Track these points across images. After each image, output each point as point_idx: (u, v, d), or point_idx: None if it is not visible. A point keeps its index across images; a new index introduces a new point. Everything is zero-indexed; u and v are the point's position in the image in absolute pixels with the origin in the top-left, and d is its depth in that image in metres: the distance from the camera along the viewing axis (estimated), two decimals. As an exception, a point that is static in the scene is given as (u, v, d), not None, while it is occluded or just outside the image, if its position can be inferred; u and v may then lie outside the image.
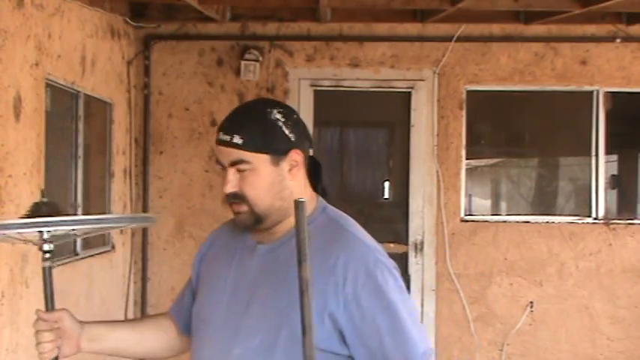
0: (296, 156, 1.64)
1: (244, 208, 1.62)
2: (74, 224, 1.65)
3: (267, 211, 1.62)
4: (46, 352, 1.68)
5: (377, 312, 1.54)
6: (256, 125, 1.62)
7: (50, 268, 1.65)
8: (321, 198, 1.73)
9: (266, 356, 1.56)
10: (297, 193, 1.62)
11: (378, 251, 1.62)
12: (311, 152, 1.72)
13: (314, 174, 1.73)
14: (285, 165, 1.63)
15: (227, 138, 1.61)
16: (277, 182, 1.62)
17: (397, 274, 1.62)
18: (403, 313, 1.56)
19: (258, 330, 1.58)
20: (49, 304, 1.69)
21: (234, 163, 1.61)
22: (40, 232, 1.60)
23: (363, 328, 1.54)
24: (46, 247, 1.63)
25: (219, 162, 1.64)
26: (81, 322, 1.79)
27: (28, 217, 1.61)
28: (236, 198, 1.62)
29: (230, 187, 1.61)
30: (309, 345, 1.34)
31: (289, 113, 1.68)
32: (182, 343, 1.87)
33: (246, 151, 1.60)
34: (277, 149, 1.61)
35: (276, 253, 1.64)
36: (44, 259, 1.64)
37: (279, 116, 1.64)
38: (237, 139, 1.60)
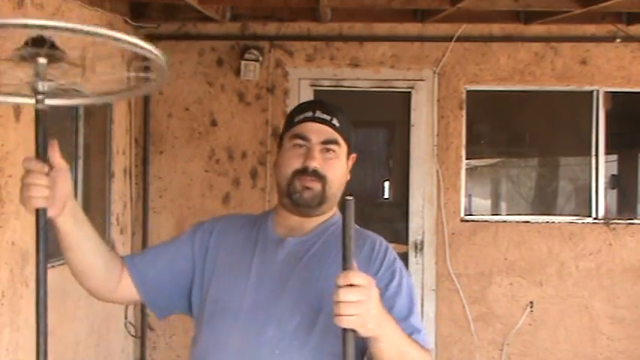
0: (353, 160, 1.82)
1: (318, 186, 1.71)
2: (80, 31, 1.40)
3: (332, 196, 1.74)
4: (37, 197, 1.44)
5: (397, 294, 1.67)
6: (347, 118, 1.78)
7: (45, 111, 1.49)
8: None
9: (303, 338, 1.61)
10: (342, 190, 1.78)
11: (394, 252, 1.79)
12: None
13: None
14: (349, 162, 1.80)
15: (327, 117, 1.73)
16: (345, 174, 1.78)
17: (406, 271, 1.79)
18: (415, 300, 1.72)
19: (296, 313, 1.64)
20: (42, 155, 1.47)
21: (327, 142, 1.71)
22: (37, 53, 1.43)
23: (385, 302, 1.58)
24: (40, 86, 1.47)
25: (303, 137, 1.71)
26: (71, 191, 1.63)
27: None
28: (315, 175, 1.70)
29: (316, 163, 1.70)
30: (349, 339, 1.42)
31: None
32: (112, 285, 1.81)
33: (340, 135, 1.74)
34: (352, 146, 1.79)
35: (307, 245, 1.73)
36: (38, 101, 1.47)
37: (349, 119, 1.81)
38: (336, 122, 1.73)
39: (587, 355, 5.49)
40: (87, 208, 4.66)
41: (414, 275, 5.51)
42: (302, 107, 1.78)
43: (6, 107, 3.40)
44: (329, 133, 1.71)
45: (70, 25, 1.33)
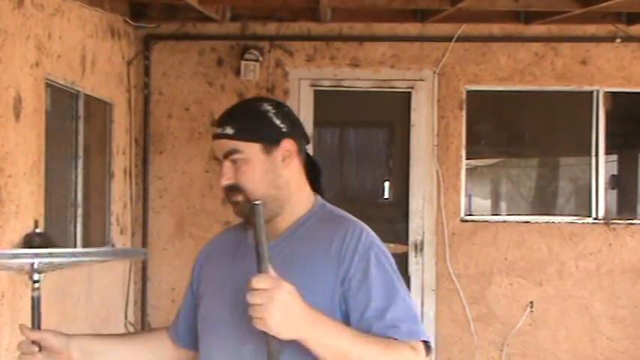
0: (288, 145, 1.68)
1: (240, 197, 1.65)
2: (65, 257, 1.67)
3: (268, 197, 1.65)
4: None
5: (372, 285, 1.58)
6: (246, 116, 1.71)
7: (39, 297, 1.67)
8: (319, 197, 1.77)
9: (280, 345, 1.57)
10: (293, 183, 1.69)
11: (372, 236, 1.66)
12: (308, 149, 1.78)
13: (312, 174, 1.77)
14: (277, 154, 1.67)
15: (219, 130, 1.68)
16: (270, 170, 1.66)
17: (390, 257, 1.66)
18: (398, 286, 1.61)
19: None
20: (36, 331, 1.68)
21: (228, 154, 1.66)
22: (32, 263, 1.62)
23: (359, 301, 1.57)
24: (35, 276, 1.65)
25: (216, 157, 1.70)
26: (69, 335, 1.78)
27: (22, 247, 1.68)
28: (233, 189, 1.66)
29: (225, 180, 1.66)
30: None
31: (279, 106, 1.76)
32: (180, 356, 1.87)
33: (238, 140, 1.66)
34: (268, 138, 1.67)
35: (279, 249, 1.66)
36: (34, 289, 1.66)
37: (269, 107, 1.72)
38: (228, 130, 1.67)
39: (587, 355, 5.49)
40: (87, 208, 4.66)
41: (414, 275, 5.51)
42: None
43: (6, 107, 3.40)
44: (225, 145, 1.67)
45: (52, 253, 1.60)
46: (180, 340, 1.85)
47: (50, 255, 1.59)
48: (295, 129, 1.72)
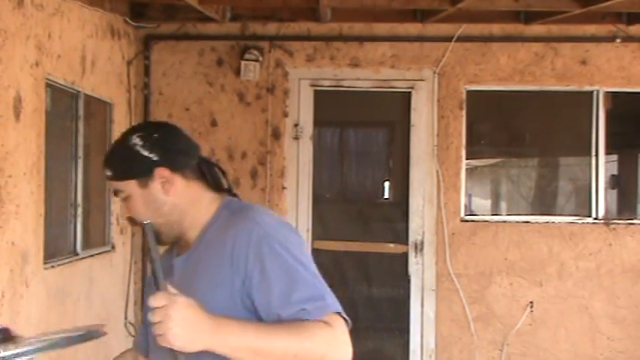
0: (162, 173, 1.72)
1: (138, 227, 1.78)
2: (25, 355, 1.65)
3: (161, 223, 1.73)
4: None
5: (271, 278, 1.58)
6: (116, 156, 1.77)
7: None
8: (227, 196, 1.80)
9: (196, 357, 1.59)
10: (182, 204, 1.73)
11: (265, 226, 1.65)
12: (209, 156, 1.91)
13: (211, 177, 1.80)
14: (154, 184, 1.72)
15: (104, 173, 1.78)
16: (151, 201, 1.73)
17: (289, 239, 1.65)
18: (297, 267, 1.60)
19: None
20: None
21: (115, 194, 1.79)
22: None
23: (262, 296, 1.58)
24: None
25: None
26: None
27: None
28: (132, 221, 1.78)
29: (125, 213, 1.80)
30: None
31: (150, 134, 1.74)
32: None
33: (117, 181, 1.75)
34: (140, 172, 1.72)
35: (188, 261, 1.74)
36: None
37: (136, 140, 1.73)
38: (108, 172, 1.77)
39: (587, 355, 5.49)
40: (87, 208, 4.66)
41: (414, 275, 5.51)
42: None
43: (6, 107, 3.40)
44: (111, 186, 1.80)
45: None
46: (144, 352, 1.89)
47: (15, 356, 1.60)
48: (168, 153, 1.73)
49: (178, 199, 1.73)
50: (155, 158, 1.71)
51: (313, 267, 1.65)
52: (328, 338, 1.55)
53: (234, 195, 1.83)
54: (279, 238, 1.64)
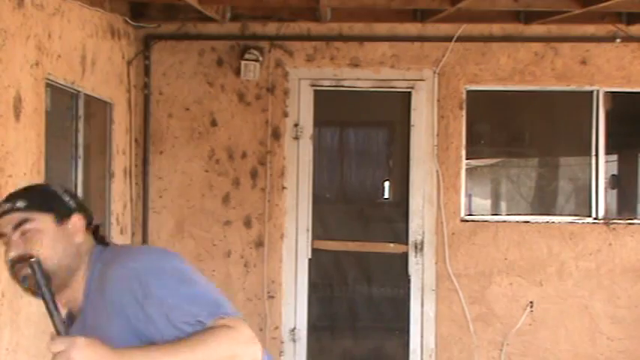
0: (77, 219, 1.76)
1: (29, 270, 1.66)
2: None
3: (55, 267, 1.71)
4: None
5: (154, 309, 1.59)
6: (37, 192, 1.79)
7: None
8: (99, 245, 1.80)
9: None
10: (81, 254, 1.75)
11: (132, 261, 1.67)
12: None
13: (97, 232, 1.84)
14: (69, 226, 1.74)
15: (8, 205, 1.72)
16: (63, 240, 1.73)
17: (161, 260, 1.67)
18: (178, 287, 1.61)
19: None
20: None
21: (18, 225, 1.70)
22: None
23: (155, 327, 1.59)
24: None
25: (1, 234, 1.72)
26: None
27: None
28: (21, 261, 1.69)
29: (15, 250, 1.70)
30: None
31: (66, 188, 1.84)
32: None
33: (30, 211, 1.71)
34: (59, 211, 1.74)
35: (83, 321, 1.73)
36: None
37: (57, 188, 1.80)
38: (20, 203, 1.72)
39: (587, 355, 5.48)
40: (87, 208, 4.65)
41: (414, 275, 5.51)
42: None
43: (6, 107, 3.40)
44: (14, 218, 1.70)
45: None
46: None
47: None
48: (82, 207, 1.79)
49: (80, 249, 1.75)
50: (74, 206, 1.77)
51: (200, 280, 1.65)
52: (234, 339, 1.55)
53: (107, 244, 1.84)
54: (148, 266, 1.65)
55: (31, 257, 1.66)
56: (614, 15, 5.27)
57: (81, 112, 4.48)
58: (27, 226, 1.71)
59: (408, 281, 5.52)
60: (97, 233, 1.81)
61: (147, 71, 5.50)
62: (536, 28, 5.42)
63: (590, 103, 5.54)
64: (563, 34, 5.49)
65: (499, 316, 5.50)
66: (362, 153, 6.03)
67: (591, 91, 5.54)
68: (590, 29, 5.47)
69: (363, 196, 5.94)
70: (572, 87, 5.54)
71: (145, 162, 5.51)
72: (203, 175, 5.51)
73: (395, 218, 5.67)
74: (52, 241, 1.72)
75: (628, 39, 5.44)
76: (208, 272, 5.26)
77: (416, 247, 5.51)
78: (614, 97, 5.56)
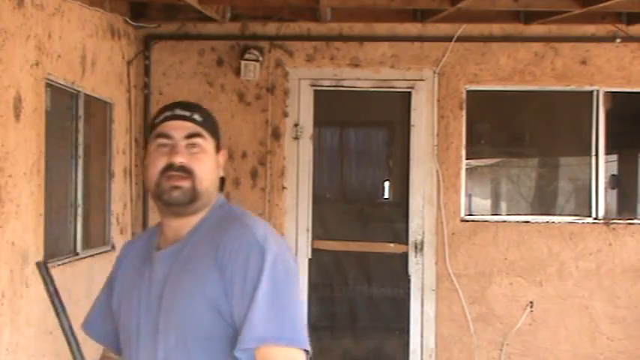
0: (223, 156, 1.78)
1: (187, 183, 1.66)
2: None
3: (205, 192, 1.69)
4: None
5: (252, 294, 1.55)
6: (209, 114, 1.77)
7: None
8: (222, 197, 1.79)
9: (184, 352, 1.61)
10: (215, 190, 1.74)
11: (263, 239, 1.62)
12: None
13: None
14: (219, 159, 1.75)
15: (187, 113, 1.71)
16: (215, 168, 1.73)
17: (280, 261, 1.60)
18: (278, 296, 1.57)
19: (171, 331, 1.62)
20: None
21: (191, 136, 1.68)
22: None
23: (240, 310, 1.56)
24: None
25: (166, 135, 1.69)
26: None
27: None
28: (182, 171, 1.66)
29: (182, 158, 1.66)
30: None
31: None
32: None
33: (204, 128, 1.71)
34: (219, 142, 1.75)
35: (177, 254, 1.68)
36: None
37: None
38: (197, 117, 1.71)
39: (587, 355, 5.49)
40: (87, 208, 4.65)
41: (414, 275, 5.51)
42: (162, 109, 1.77)
43: (6, 107, 3.40)
44: (191, 127, 1.69)
45: None
46: (95, 333, 1.87)
47: None
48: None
49: (217, 184, 1.75)
50: (219, 138, 1.77)
51: (298, 299, 1.63)
52: None
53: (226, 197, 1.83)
54: (275, 252, 1.60)
55: (191, 172, 1.66)
56: (614, 15, 5.27)
57: (81, 112, 4.47)
58: (198, 140, 1.69)
59: (408, 281, 5.52)
60: (223, 183, 1.79)
61: (147, 71, 5.50)
62: (536, 28, 5.42)
63: (590, 103, 5.55)
64: (563, 34, 5.49)
65: (499, 316, 5.50)
66: (362, 153, 6.02)
67: (591, 91, 5.54)
68: (590, 29, 5.47)
69: (363, 196, 5.93)
70: (572, 87, 5.54)
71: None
72: (203, 175, 5.50)
73: (395, 218, 5.67)
74: (210, 165, 1.71)
75: (628, 39, 5.44)
76: (208, 272, 5.25)
77: (416, 247, 5.51)
78: (614, 97, 5.56)
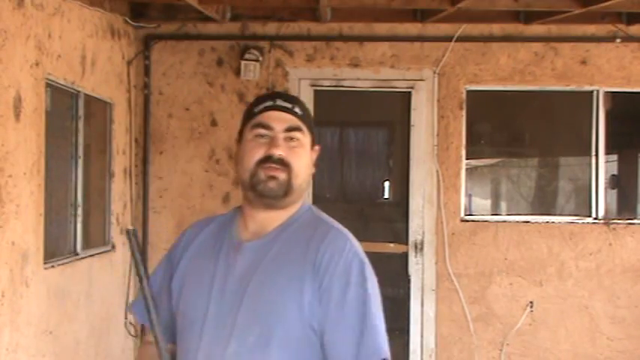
0: (316, 153, 1.75)
1: (283, 175, 1.64)
2: None
3: (298, 187, 1.67)
4: None
5: (346, 305, 1.56)
6: (308, 109, 1.74)
7: None
8: (307, 201, 1.78)
9: (262, 352, 1.56)
10: (307, 184, 1.72)
11: (357, 248, 1.65)
12: None
13: None
14: (312, 154, 1.74)
15: (289, 105, 1.68)
16: (310, 164, 1.72)
17: (373, 274, 1.65)
18: (372, 309, 1.59)
19: (253, 326, 1.58)
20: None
21: (290, 129, 1.66)
22: None
23: (332, 319, 1.56)
24: None
25: (266, 125, 1.65)
26: None
27: None
28: (280, 164, 1.64)
29: (281, 151, 1.64)
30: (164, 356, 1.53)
31: None
32: None
33: (303, 122, 1.69)
34: (314, 137, 1.74)
35: (266, 248, 1.65)
36: None
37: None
38: (298, 110, 1.69)
39: (587, 355, 5.49)
40: (87, 208, 4.66)
41: (414, 275, 5.51)
42: (262, 98, 1.72)
43: (6, 107, 3.40)
44: (291, 120, 1.66)
45: None
46: (141, 315, 1.70)
47: None
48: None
49: (309, 179, 1.73)
50: (315, 133, 1.75)
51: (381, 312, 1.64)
52: None
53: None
54: (366, 265, 1.63)
55: (289, 165, 1.64)
56: (614, 15, 5.27)
57: (81, 112, 4.48)
58: (297, 134, 1.67)
59: (408, 281, 5.52)
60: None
61: (147, 71, 5.50)
62: (536, 28, 5.42)
63: (590, 103, 5.55)
64: (563, 34, 5.49)
65: (499, 316, 5.50)
66: (362, 153, 6.02)
67: (591, 91, 5.54)
68: (590, 29, 5.47)
69: (363, 196, 5.93)
70: (572, 87, 5.55)
71: (145, 162, 5.51)
72: (203, 175, 5.51)
73: (395, 218, 5.67)
74: (306, 160, 1.69)
75: (628, 39, 5.44)
76: (208, 272, 5.25)
77: (416, 247, 5.51)
78: (614, 97, 5.56)
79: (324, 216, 1.73)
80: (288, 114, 1.66)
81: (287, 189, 1.65)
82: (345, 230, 1.69)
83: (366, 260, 1.64)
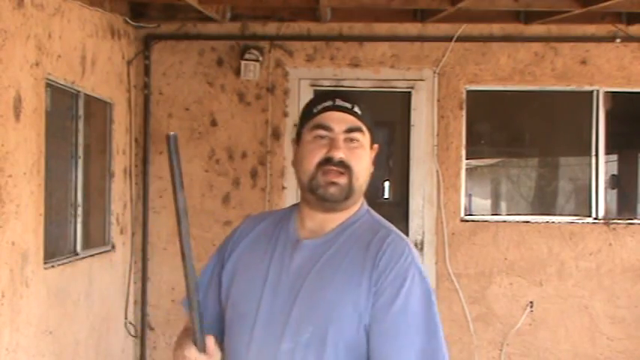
0: (374, 152, 1.69)
1: (344, 179, 1.61)
2: None
3: (359, 189, 1.65)
4: None
5: (401, 311, 1.58)
6: (367, 108, 1.67)
7: None
8: (365, 202, 1.75)
9: (317, 350, 1.55)
10: (367, 183, 1.67)
11: (414, 255, 1.64)
12: None
13: None
14: (371, 153, 1.68)
15: (349, 105, 1.63)
16: (369, 165, 1.67)
17: (429, 282, 1.66)
18: (427, 317, 1.65)
19: (308, 324, 1.57)
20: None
21: (351, 130, 1.61)
22: None
23: (385, 325, 1.56)
24: None
25: (325, 126, 1.62)
26: None
27: None
28: (341, 166, 1.60)
29: (342, 153, 1.60)
30: (190, 270, 1.47)
31: None
32: None
33: (363, 122, 1.64)
34: (372, 136, 1.68)
35: (324, 248, 1.63)
36: None
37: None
38: (357, 109, 1.64)
39: (587, 355, 5.49)
40: (87, 208, 4.66)
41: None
42: (320, 97, 1.68)
43: (6, 107, 3.40)
44: (352, 121, 1.62)
45: None
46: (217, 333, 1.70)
47: None
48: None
49: (369, 179, 1.68)
50: (373, 132, 1.70)
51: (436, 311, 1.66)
52: None
53: None
54: (423, 273, 1.63)
55: (349, 167, 1.60)
56: (614, 15, 5.27)
57: (81, 112, 4.48)
58: (358, 135, 1.62)
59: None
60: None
61: (147, 71, 5.50)
62: (536, 28, 5.42)
63: (590, 103, 5.55)
64: (563, 34, 5.49)
65: (499, 316, 5.50)
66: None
67: (591, 91, 5.54)
68: (590, 29, 5.47)
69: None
70: (572, 87, 5.55)
71: (145, 162, 5.51)
72: (203, 175, 5.51)
73: (395, 218, 5.66)
74: (366, 161, 1.65)
75: (628, 39, 5.45)
76: (208, 272, 5.25)
77: (416, 247, 5.50)
78: (614, 97, 5.57)
79: (383, 220, 1.71)
80: (347, 114, 1.62)
81: (348, 193, 1.63)
82: (404, 236, 1.67)
83: (423, 268, 1.64)
